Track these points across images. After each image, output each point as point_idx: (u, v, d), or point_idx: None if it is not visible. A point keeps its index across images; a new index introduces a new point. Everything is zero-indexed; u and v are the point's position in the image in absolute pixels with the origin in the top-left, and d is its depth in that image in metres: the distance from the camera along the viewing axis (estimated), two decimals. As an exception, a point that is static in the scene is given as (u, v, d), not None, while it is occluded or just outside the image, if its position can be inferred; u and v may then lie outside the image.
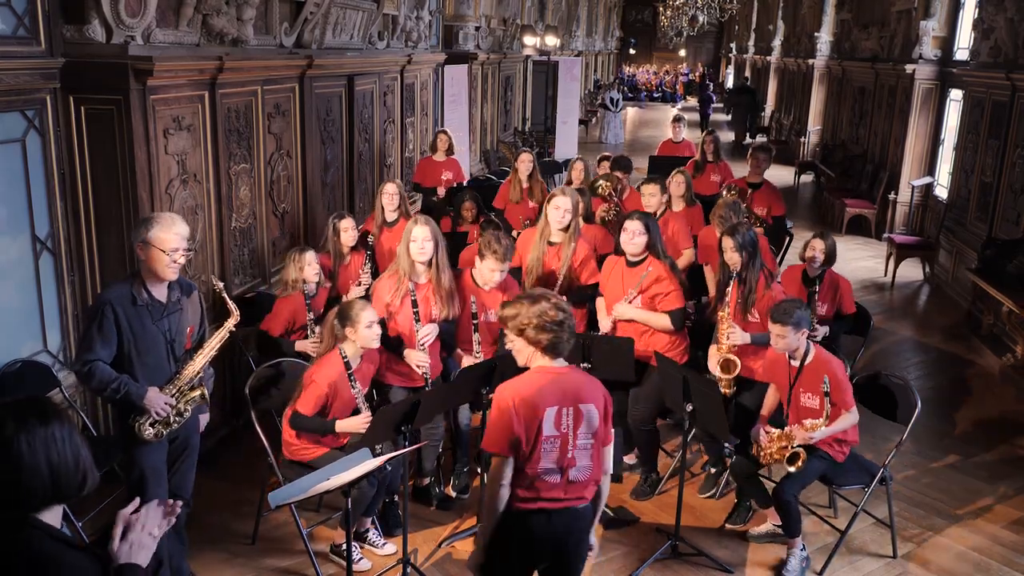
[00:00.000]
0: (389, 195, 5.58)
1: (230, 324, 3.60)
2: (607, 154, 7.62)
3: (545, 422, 2.76)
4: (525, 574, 2.95)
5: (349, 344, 3.90)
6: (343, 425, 3.87)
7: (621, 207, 6.24)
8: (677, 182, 6.10)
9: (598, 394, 2.86)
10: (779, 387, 4.13)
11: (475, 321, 4.36)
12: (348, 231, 5.17)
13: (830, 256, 5.06)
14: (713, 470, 4.69)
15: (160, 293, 3.41)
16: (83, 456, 1.92)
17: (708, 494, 4.64)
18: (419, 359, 4.18)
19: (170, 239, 3.29)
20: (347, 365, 3.88)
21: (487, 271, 4.33)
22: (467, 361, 4.40)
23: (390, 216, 5.61)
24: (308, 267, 4.74)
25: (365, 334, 3.85)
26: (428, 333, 4.19)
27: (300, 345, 4.65)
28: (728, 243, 4.30)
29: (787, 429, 3.97)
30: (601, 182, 6.33)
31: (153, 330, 3.38)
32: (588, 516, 2.93)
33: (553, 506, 2.82)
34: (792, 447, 3.91)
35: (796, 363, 3.98)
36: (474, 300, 4.35)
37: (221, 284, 3.69)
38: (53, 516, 1.94)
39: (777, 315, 3.89)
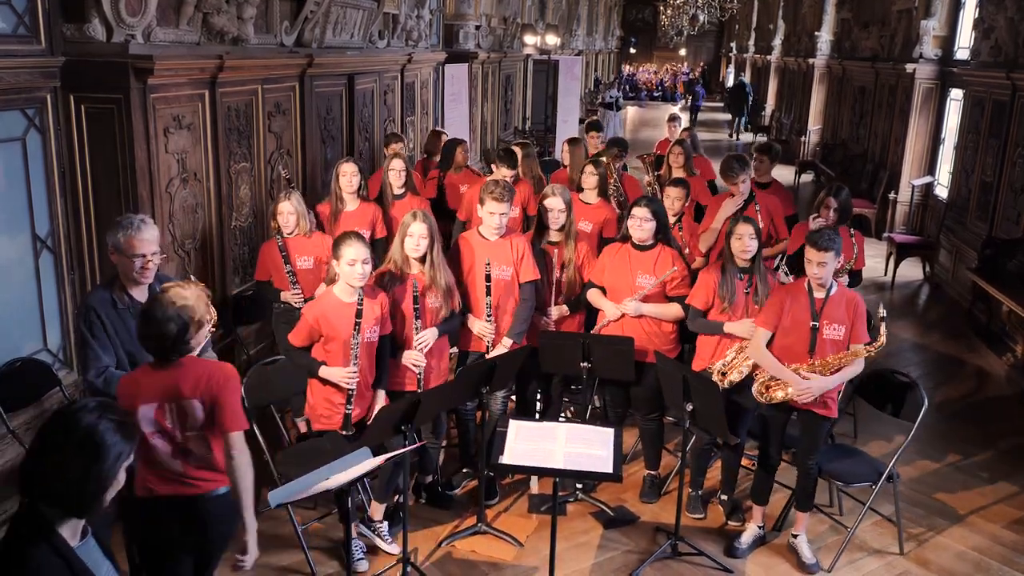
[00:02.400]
0: (396, 172, 5.62)
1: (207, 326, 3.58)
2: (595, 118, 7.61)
3: (142, 419, 2.78)
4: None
5: (340, 279, 3.80)
6: (326, 372, 3.80)
7: (621, 186, 6.32)
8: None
9: (198, 389, 2.83)
10: (797, 324, 3.96)
11: (488, 283, 4.27)
12: (347, 175, 5.19)
13: (845, 210, 5.01)
14: (698, 493, 4.62)
15: (140, 295, 3.37)
16: (95, 473, 1.89)
17: (698, 516, 4.58)
18: (415, 359, 4.10)
19: (135, 245, 3.26)
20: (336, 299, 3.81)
21: (488, 215, 4.33)
22: (478, 326, 4.36)
23: (398, 191, 5.66)
24: (279, 215, 4.77)
25: (346, 271, 3.72)
26: (427, 338, 4.10)
27: (284, 295, 4.81)
28: (746, 229, 4.13)
29: (821, 360, 3.92)
30: (603, 158, 6.40)
31: None
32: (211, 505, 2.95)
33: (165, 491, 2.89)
34: (829, 372, 3.91)
35: (821, 296, 3.93)
36: (488, 263, 4.27)
37: (202, 284, 3.67)
38: (71, 529, 1.92)
39: (822, 241, 3.80)
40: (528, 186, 6.09)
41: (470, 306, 4.39)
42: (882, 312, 3.96)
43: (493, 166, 5.80)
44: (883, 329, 3.91)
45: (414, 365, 4.08)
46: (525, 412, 4.81)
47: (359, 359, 3.77)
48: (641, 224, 4.41)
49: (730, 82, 33.19)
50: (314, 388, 3.90)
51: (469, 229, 4.97)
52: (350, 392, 3.79)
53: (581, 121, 18.84)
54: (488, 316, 4.32)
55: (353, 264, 3.70)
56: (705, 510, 4.59)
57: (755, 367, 4.12)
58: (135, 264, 3.27)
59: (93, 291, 3.42)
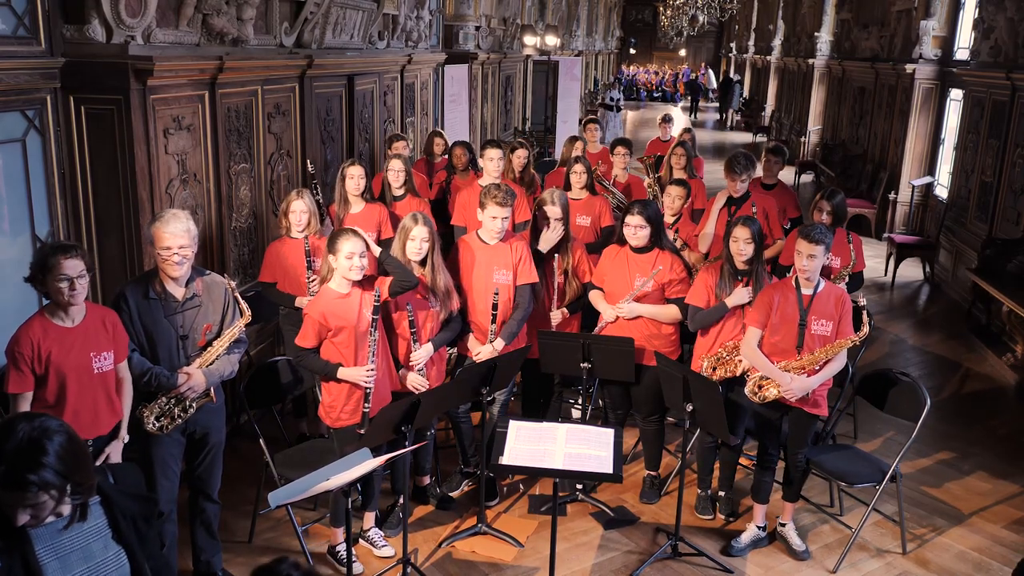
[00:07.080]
0: (395, 172, 5.62)
1: (241, 324, 3.62)
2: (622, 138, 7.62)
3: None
4: None
5: (336, 274, 3.79)
6: (345, 373, 3.77)
7: (615, 186, 6.49)
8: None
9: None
10: (786, 320, 3.99)
11: (494, 312, 4.27)
12: (354, 178, 5.15)
13: (839, 214, 5.00)
14: (707, 492, 4.62)
15: (175, 289, 3.45)
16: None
17: (707, 517, 4.58)
18: (417, 382, 4.09)
19: (162, 237, 3.34)
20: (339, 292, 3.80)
21: (489, 220, 4.33)
22: (481, 350, 4.33)
23: (397, 192, 5.67)
24: (291, 213, 4.63)
25: (343, 264, 3.71)
26: (422, 356, 4.09)
27: (299, 301, 4.60)
28: (743, 233, 4.14)
29: (808, 356, 3.96)
30: (600, 166, 6.53)
31: (164, 324, 3.43)
32: None
33: None
34: (817, 367, 3.97)
35: (809, 292, 3.98)
36: (496, 293, 4.25)
37: (234, 284, 3.68)
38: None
39: (814, 234, 3.88)
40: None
41: (467, 310, 4.39)
42: (861, 301, 4.07)
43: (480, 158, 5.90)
44: (865, 317, 4.00)
45: (415, 388, 4.07)
46: (532, 413, 4.81)
47: (376, 357, 3.77)
48: (635, 232, 4.41)
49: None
50: (330, 388, 3.89)
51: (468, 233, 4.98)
52: (367, 390, 3.79)
53: (581, 122, 18.86)
54: (492, 339, 4.33)
55: (351, 257, 3.71)
56: (714, 511, 4.59)
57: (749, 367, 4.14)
58: (162, 256, 3.35)
59: (133, 279, 3.53)
